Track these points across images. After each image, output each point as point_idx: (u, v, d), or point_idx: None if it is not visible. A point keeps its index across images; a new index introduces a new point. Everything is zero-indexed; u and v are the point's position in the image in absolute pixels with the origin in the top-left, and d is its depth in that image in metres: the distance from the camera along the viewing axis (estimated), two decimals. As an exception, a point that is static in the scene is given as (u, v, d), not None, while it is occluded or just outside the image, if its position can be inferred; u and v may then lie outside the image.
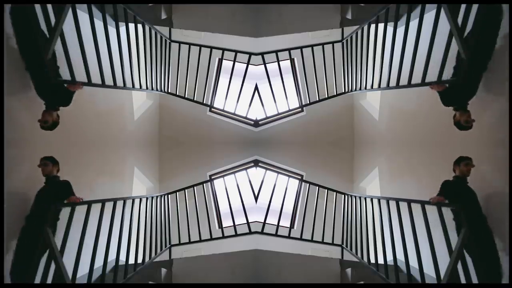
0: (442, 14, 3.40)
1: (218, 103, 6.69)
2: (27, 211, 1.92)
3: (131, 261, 1.73)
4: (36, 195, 2.30)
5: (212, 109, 6.74)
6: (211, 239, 2.61)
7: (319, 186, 3.13)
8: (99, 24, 3.96)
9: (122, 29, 4.46)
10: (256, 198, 2.87)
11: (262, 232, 2.58)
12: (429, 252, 1.52)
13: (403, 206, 2.12)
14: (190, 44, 6.18)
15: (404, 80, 4.08)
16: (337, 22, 6.10)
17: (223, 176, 3.66)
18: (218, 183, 3.32)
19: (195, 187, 3.02)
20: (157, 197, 2.60)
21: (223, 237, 2.57)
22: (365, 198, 2.59)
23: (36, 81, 3.57)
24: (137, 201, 2.41)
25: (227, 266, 2.50)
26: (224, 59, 6.59)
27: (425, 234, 1.66)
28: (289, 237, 2.76)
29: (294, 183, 3.45)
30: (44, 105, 3.76)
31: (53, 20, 3.39)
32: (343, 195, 2.72)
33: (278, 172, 4.04)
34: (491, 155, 3.71)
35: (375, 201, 2.48)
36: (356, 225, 2.22)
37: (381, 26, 4.70)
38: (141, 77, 5.01)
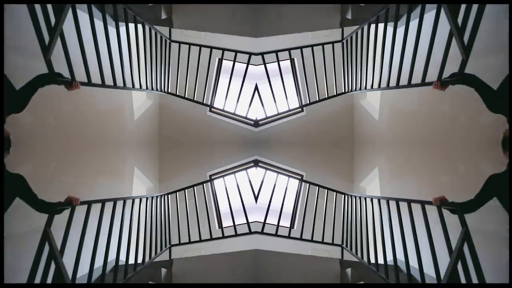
0: (442, 14, 3.40)
1: (218, 103, 6.69)
2: (27, 211, 1.92)
3: (131, 261, 1.73)
4: None
5: (212, 109, 6.74)
6: (211, 239, 2.61)
7: (319, 186, 3.13)
8: (99, 24, 3.96)
9: (122, 29, 4.46)
10: (256, 198, 2.87)
11: (262, 232, 2.59)
12: (429, 252, 1.52)
13: (403, 206, 2.12)
14: (190, 44, 6.19)
15: (404, 80, 4.08)
16: (337, 22, 6.10)
17: (223, 176, 3.66)
18: (218, 183, 3.32)
19: (195, 187, 3.02)
20: (157, 197, 2.60)
21: (223, 237, 2.57)
22: (365, 198, 2.59)
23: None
24: (137, 201, 2.41)
25: (227, 266, 2.50)
26: (224, 59, 6.59)
27: (425, 234, 1.66)
28: (289, 237, 2.76)
29: (294, 183, 3.45)
30: None
31: (53, 20, 3.39)
32: (343, 195, 2.72)
33: (278, 172, 4.04)
34: (491, 155, 3.71)
35: (375, 201, 2.48)
36: (356, 225, 2.22)
37: (381, 26, 4.70)
38: (141, 77, 5.01)
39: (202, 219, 2.44)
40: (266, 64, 6.36)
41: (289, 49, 6.38)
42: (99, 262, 1.47)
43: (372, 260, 1.94)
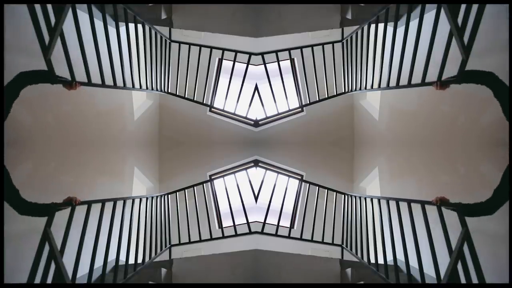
0: (442, 14, 3.40)
1: (218, 103, 6.69)
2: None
3: (131, 261, 1.73)
4: None
5: (212, 109, 6.74)
6: (211, 239, 2.62)
7: (319, 186, 3.13)
8: (99, 24, 3.96)
9: (122, 29, 4.46)
10: (256, 198, 2.87)
11: (262, 232, 2.58)
12: (429, 252, 1.52)
13: (403, 206, 2.12)
14: (190, 44, 6.18)
15: (404, 80, 4.08)
16: (337, 22, 6.10)
17: (223, 176, 3.66)
18: (218, 183, 3.32)
19: (195, 187, 3.02)
20: (157, 197, 2.60)
21: (223, 237, 2.57)
22: (365, 198, 2.59)
23: None
24: (137, 201, 2.41)
25: (227, 266, 2.50)
26: (224, 59, 6.59)
27: (425, 234, 1.66)
28: (289, 237, 2.76)
29: (294, 183, 3.45)
30: None
31: (53, 20, 3.38)
32: (343, 195, 2.71)
33: (278, 172, 4.04)
34: (491, 155, 3.71)
35: (375, 201, 2.48)
36: (356, 225, 2.22)
37: (381, 26, 4.70)
38: (141, 77, 5.01)
39: (202, 219, 2.44)
40: (266, 64, 6.36)
41: (289, 49, 6.38)
42: (99, 262, 1.47)
43: (372, 260, 1.94)
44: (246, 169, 4.24)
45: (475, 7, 3.11)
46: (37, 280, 1.21)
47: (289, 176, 3.80)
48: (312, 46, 6.25)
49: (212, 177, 3.54)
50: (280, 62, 6.37)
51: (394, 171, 3.95)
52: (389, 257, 1.73)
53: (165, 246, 2.15)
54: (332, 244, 2.56)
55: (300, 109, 6.73)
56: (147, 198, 2.51)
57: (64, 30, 3.41)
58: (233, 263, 2.52)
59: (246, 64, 6.39)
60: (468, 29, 3.16)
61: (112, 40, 4.17)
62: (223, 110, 6.70)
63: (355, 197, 2.64)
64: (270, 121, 6.74)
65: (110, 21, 4.21)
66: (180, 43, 6.15)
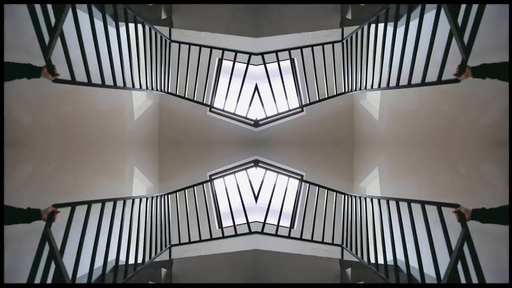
0: (442, 14, 3.40)
1: (218, 103, 6.69)
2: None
3: (131, 261, 1.73)
4: None
5: (212, 109, 6.74)
6: (211, 239, 2.61)
7: (319, 186, 3.13)
8: (99, 24, 3.96)
9: (122, 29, 4.46)
10: (256, 198, 2.87)
11: (262, 232, 2.58)
12: (429, 252, 1.52)
13: (403, 206, 2.12)
14: (190, 44, 6.18)
15: (404, 80, 4.08)
16: (337, 22, 6.10)
17: (223, 176, 3.66)
18: (218, 183, 3.32)
19: (195, 187, 3.02)
20: (157, 197, 2.60)
21: (223, 237, 2.57)
22: (365, 198, 2.59)
23: None
24: (137, 201, 2.41)
25: (227, 266, 2.50)
26: (224, 59, 6.59)
27: (425, 234, 1.66)
28: (289, 237, 2.76)
29: (294, 183, 3.45)
30: None
31: (53, 20, 3.38)
32: (343, 195, 2.71)
33: (278, 172, 4.04)
34: (491, 155, 3.70)
35: (375, 201, 2.48)
36: (356, 225, 2.22)
37: (381, 26, 4.70)
38: (141, 77, 5.01)
39: (202, 219, 2.44)
40: (266, 64, 6.36)
41: (289, 49, 6.37)
42: (99, 262, 1.47)
43: (372, 260, 1.94)
44: (246, 169, 4.24)
45: (475, 7, 3.11)
46: (37, 280, 1.21)
47: (289, 176, 3.80)
48: (312, 46, 6.25)
49: (212, 177, 3.54)
50: (280, 62, 6.36)
51: (394, 171, 3.95)
52: (389, 257, 1.73)
53: (165, 246, 2.14)
54: (332, 244, 2.56)
55: (300, 109, 6.72)
56: (147, 198, 2.51)
57: (64, 30, 3.41)
58: (233, 263, 2.52)
59: (246, 64, 6.38)
60: (468, 29, 3.16)
61: (112, 40, 4.17)
62: (223, 110, 6.70)
63: (355, 197, 2.64)
64: (270, 121, 6.73)
65: (110, 21, 4.21)
66: (180, 43, 6.14)
